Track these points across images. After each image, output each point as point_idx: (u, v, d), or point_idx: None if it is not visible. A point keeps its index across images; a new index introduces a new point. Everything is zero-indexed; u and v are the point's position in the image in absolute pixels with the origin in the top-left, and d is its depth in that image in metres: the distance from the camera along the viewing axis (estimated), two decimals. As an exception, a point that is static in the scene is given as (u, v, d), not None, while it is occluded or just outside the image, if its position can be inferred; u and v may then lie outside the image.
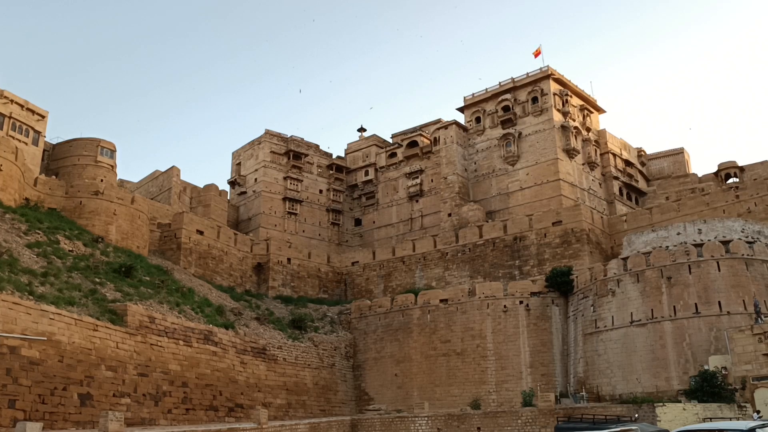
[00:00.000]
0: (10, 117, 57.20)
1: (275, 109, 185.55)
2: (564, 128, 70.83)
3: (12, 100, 57.61)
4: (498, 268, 59.88)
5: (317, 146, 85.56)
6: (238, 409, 41.47)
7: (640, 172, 79.12)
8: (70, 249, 44.45)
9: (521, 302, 50.29)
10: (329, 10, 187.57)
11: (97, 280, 40.92)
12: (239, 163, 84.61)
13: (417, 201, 78.53)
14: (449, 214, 72.34)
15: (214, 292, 54.49)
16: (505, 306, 50.52)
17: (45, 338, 28.71)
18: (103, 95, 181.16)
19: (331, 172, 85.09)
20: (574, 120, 72.39)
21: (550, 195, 67.96)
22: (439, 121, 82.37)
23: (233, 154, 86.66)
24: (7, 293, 29.50)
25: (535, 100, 72.52)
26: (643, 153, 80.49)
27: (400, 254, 67.00)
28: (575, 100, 74.18)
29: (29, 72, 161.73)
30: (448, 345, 51.53)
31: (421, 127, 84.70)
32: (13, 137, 56.30)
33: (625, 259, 44.65)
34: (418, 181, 78.72)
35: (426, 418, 41.67)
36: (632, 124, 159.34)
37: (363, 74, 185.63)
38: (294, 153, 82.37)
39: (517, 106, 73.53)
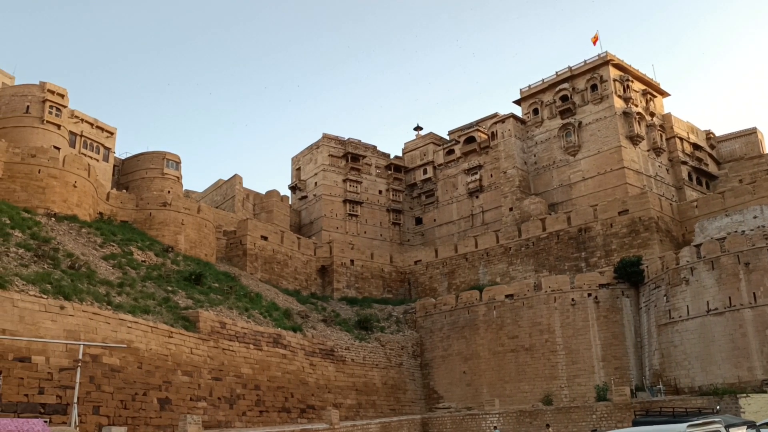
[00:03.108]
0: (81, 135, 59.70)
1: (332, 112, 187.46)
2: (626, 114, 68.92)
3: (82, 119, 60.11)
4: (563, 261, 58.75)
5: (374, 147, 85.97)
6: (310, 410, 42.04)
7: (710, 155, 76.25)
8: (143, 259, 46.02)
9: (589, 295, 49.17)
10: (382, 10, 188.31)
11: (170, 288, 42.22)
12: (299, 168, 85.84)
13: (477, 197, 77.87)
14: (510, 209, 71.45)
15: (280, 296, 55.42)
16: (572, 299, 49.50)
17: (125, 346, 29.79)
18: (165, 108, 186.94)
19: (389, 172, 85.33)
20: (636, 105, 70.35)
21: (615, 184, 66.22)
22: (495, 115, 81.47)
23: (293, 159, 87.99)
24: (87, 304, 30.78)
25: (594, 87, 70.84)
26: (712, 135, 77.55)
27: (462, 251, 66.58)
28: (637, 85, 72.07)
29: (97, 90, 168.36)
30: (516, 341, 50.87)
31: (478, 123, 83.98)
32: (85, 155, 58.75)
33: (698, 246, 43.07)
34: (477, 176, 78.05)
35: (497, 415, 41.27)
36: (699, 106, 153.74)
37: (417, 72, 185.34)
38: (352, 155, 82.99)
39: (576, 95, 71.99)
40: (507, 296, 52.80)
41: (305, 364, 44.31)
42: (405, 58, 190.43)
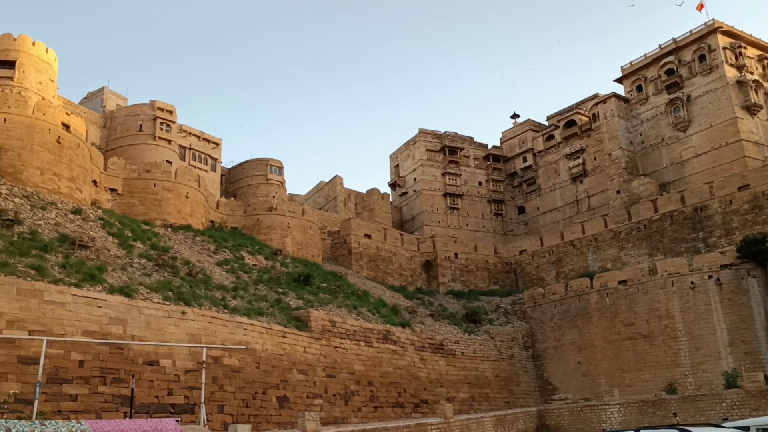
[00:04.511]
0: (190, 148, 62.77)
1: (427, 107, 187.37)
2: (740, 83, 64.48)
3: (190, 133, 63.20)
4: (679, 243, 55.71)
5: (471, 139, 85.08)
6: (423, 404, 42.15)
7: (838, 119, 70.03)
8: (254, 263, 47.75)
9: (710, 277, 46.34)
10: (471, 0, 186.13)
11: (280, 290, 43.56)
12: (397, 165, 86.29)
13: (581, 182, 75.38)
14: (618, 192, 68.61)
15: (387, 292, 55.91)
16: (692, 282, 46.84)
17: (244, 347, 31.00)
18: (264, 116, 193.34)
19: (488, 162, 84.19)
20: (751, 73, 65.68)
21: (732, 158, 62.12)
22: (596, 96, 78.49)
23: (390, 156, 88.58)
24: (205, 308, 32.28)
25: (702, 58, 66.75)
26: (839, 98, 71.20)
27: (569, 238, 64.61)
28: (751, 51, 67.27)
29: (199, 102, 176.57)
30: (633, 328, 48.76)
31: (577, 105, 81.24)
32: (195, 166, 61.71)
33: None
34: (579, 161, 75.54)
35: (617, 406, 39.74)
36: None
37: (511, 60, 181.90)
38: (449, 148, 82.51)
39: (683, 68, 68.12)
40: (620, 282, 50.71)
41: (416, 359, 44.46)
42: (497, 47, 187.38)
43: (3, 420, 12.26)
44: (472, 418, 36.43)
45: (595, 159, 74.16)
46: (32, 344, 22.97)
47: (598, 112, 73.64)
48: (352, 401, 37.42)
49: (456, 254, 66.67)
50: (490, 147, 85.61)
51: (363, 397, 38.31)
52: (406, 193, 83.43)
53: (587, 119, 76.15)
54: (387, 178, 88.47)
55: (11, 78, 49.78)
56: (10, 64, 50.40)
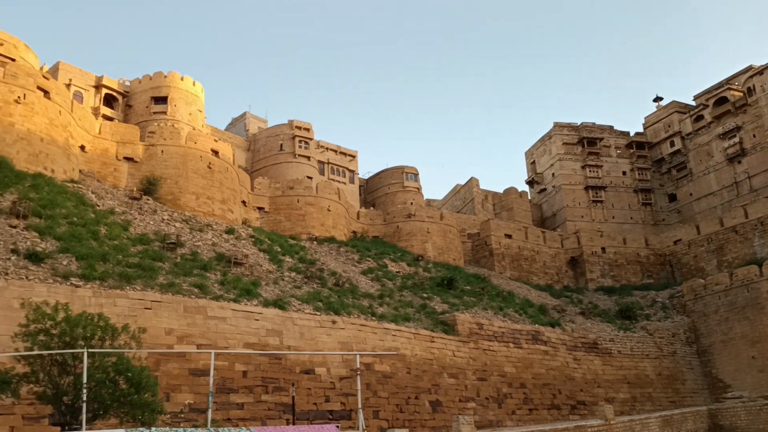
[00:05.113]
0: (328, 163, 65.00)
1: (560, 101, 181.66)
2: None
3: (327, 148, 65.47)
4: None
5: (611, 127, 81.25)
6: (581, 406, 40.54)
7: None
8: (397, 270, 48.40)
9: None
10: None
11: (425, 295, 43.78)
12: (533, 162, 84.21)
13: (739, 162, 69.48)
14: (783, 169, 62.55)
15: (532, 292, 54.57)
16: None
17: (396, 353, 31.42)
18: (397, 124, 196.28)
19: (631, 150, 79.95)
20: None
21: None
22: (749, 68, 72.12)
23: (526, 153, 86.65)
24: (354, 317, 33.10)
25: None
26: None
27: (730, 224, 59.67)
28: None
29: (335, 117, 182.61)
30: (814, 318, 44.06)
31: (728, 80, 75.08)
32: (334, 180, 63.81)
33: None
34: (736, 140, 69.68)
35: (802, 404, 36.01)
36: None
37: (646, 43, 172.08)
38: (587, 140, 79.31)
39: None
40: (794, 268, 46.07)
41: (568, 359, 42.92)
42: (631, 30, 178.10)
43: (181, 429, 13.17)
44: (635, 420, 34.49)
45: (754, 136, 68.13)
46: (200, 357, 24.61)
47: (753, 85, 67.69)
48: (506, 404, 36.74)
49: (603, 249, 63.80)
50: (632, 134, 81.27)
51: (516, 400, 37.50)
52: (544, 189, 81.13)
53: (741, 94, 70.16)
54: (524, 175, 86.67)
55: (165, 112, 54.17)
56: (163, 100, 54.86)
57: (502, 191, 77.91)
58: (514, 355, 39.65)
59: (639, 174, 78.66)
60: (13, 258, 25.15)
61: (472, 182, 77.53)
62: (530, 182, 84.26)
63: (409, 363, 32.77)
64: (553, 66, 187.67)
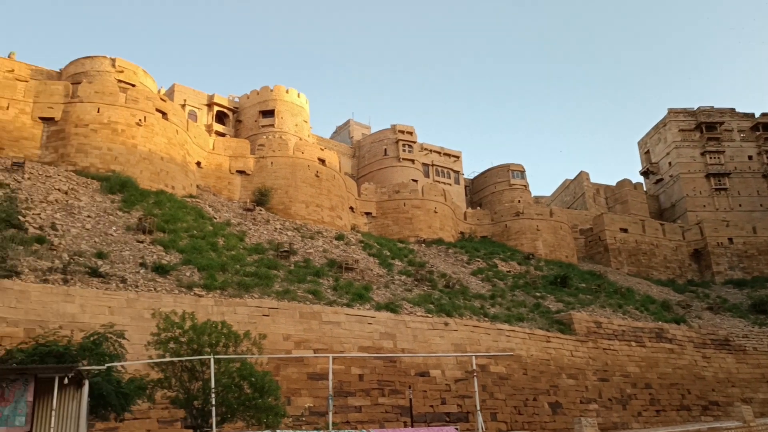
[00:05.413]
0: (432, 165, 64.93)
1: (672, 85, 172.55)
2: None
3: (430, 150, 65.41)
4: None
5: (732, 110, 76.17)
6: (713, 406, 38.07)
7: None
8: (507, 270, 47.53)
9: None
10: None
11: (537, 294, 42.71)
12: (647, 152, 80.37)
13: None
14: None
15: (653, 287, 52.02)
16: None
17: (512, 353, 30.81)
18: (500, 121, 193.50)
19: (757, 133, 74.54)
20: None
21: None
22: None
23: (639, 143, 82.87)
24: (466, 318, 32.76)
25: None
26: None
27: None
28: None
29: (437, 119, 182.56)
30: None
31: None
32: (439, 181, 63.66)
33: None
34: None
35: None
36: None
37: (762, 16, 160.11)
38: (706, 124, 74.73)
39: None
40: None
41: (697, 357, 40.43)
42: (745, 3, 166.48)
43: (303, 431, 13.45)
44: (777, 422, 31.91)
45: None
46: (317, 362, 25.15)
47: None
48: (630, 405, 35.09)
49: (730, 239, 59.80)
50: (757, 115, 75.71)
51: (642, 401, 35.74)
52: (661, 179, 77.15)
53: None
54: (637, 166, 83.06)
55: (272, 125, 56.08)
56: (270, 113, 56.84)
57: (614, 184, 74.87)
58: (637, 354, 37.85)
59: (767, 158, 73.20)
60: (141, 271, 26.81)
61: (582, 176, 74.98)
62: (645, 173, 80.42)
63: (525, 364, 32.02)
64: (663, 49, 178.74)
